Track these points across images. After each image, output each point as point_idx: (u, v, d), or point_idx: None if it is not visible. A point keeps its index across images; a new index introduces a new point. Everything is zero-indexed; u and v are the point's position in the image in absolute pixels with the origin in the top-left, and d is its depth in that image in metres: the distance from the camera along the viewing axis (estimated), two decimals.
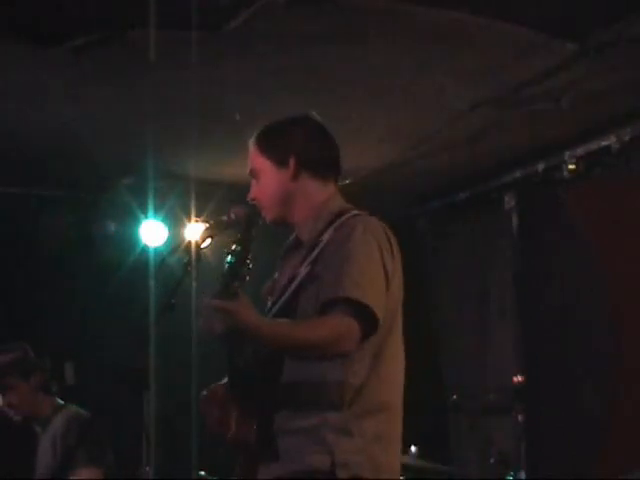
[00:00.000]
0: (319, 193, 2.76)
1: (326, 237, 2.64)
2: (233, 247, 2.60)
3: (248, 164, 2.84)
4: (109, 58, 4.53)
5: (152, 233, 6.13)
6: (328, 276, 2.56)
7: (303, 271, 2.63)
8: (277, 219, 2.79)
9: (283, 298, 2.67)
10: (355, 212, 2.71)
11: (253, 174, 2.81)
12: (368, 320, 2.52)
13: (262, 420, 2.61)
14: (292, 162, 2.74)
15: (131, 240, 6.21)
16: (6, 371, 4.32)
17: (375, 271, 2.57)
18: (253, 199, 2.80)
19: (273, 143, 2.79)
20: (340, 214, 2.69)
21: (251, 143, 2.83)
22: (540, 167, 6.11)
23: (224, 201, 2.87)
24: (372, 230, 2.64)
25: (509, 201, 6.47)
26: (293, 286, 2.65)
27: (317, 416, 2.56)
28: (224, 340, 2.48)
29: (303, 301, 2.61)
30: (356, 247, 2.58)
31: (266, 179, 2.78)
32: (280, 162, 2.76)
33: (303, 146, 2.78)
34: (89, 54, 4.46)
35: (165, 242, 6.10)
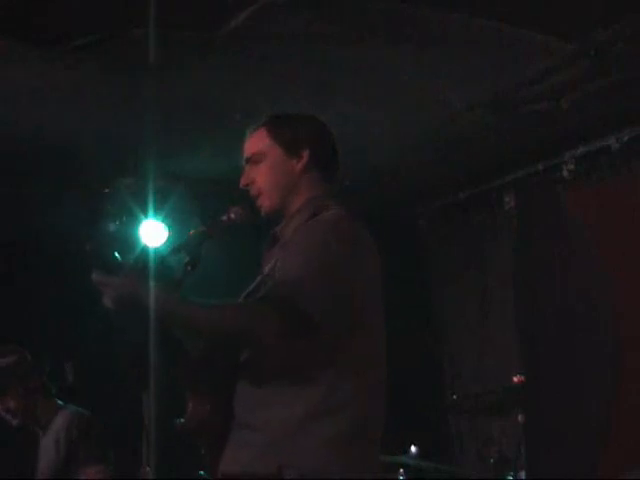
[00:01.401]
0: (316, 189, 2.72)
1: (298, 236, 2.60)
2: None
3: (247, 148, 2.76)
4: (109, 58, 4.53)
5: (152, 233, 6.13)
6: (277, 274, 2.52)
7: (267, 269, 2.60)
8: (274, 207, 2.72)
9: (245, 293, 2.64)
10: (331, 211, 2.63)
11: (255, 158, 2.72)
12: (297, 316, 2.40)
13: (217, 411, 2.57)
14: (306, 154, 2.70)
15: (131, 240, 6.20)
16: (2, 376, 4.30)
17: (322, 268, 2.46)
18: (248, 184, 2.73)
19: (287, 128, 2.74)
20: (318, 212, 2.63)
21: (257, 127, 2.76)
22: (540, 167, 6.12)
23: (224, 201, 2.83)
24: (331, 228, 2.56)
25: (509, 201, 6.47)
26: (256, 283, 2.63)
27: (270, 412, 2.48)
28: (122, 314, 2.48)
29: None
30: (307, 244, 2.52)
31: (272, 165, 2.71)
32: (292, 150, 2.71)
33: (317, 139, 2.74)
34: (89, 54, 4.46)
35: (165, 242, 6.09)
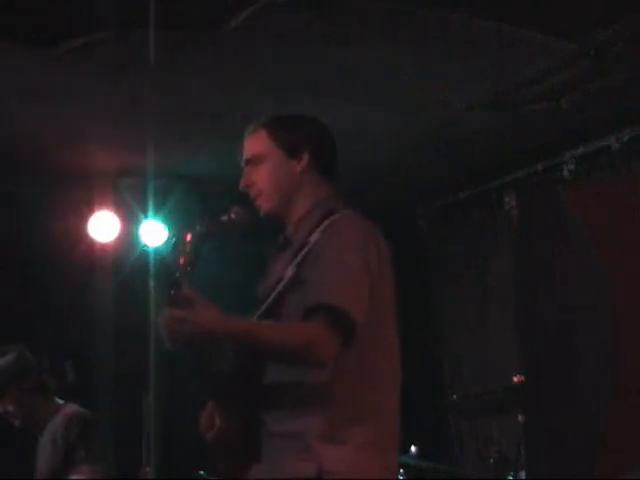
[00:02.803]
0: (320, 191, 2.72)
1: (314, 238, 2.58)
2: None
3: (247, 149, 2.75)
4: (109, 58, 4.53)
5: (152, 233, 6.12)
6: (311, 281, 2.50)
7: (289, 273, 2.58)
8: (274, 210, 2.72)
9: (268, 301, 2.62)
10: (345, 212, 2.64)
11: (254, 160, 2.72)
12: (346, 326, 2.45)
13: (245, 421, 2.58)
14: (306, 155, 2.69)
15: (131, 240, 6.20)
16: (2, 376, 4.30)
17: (358, 275, 2.50)
18: (248, 186, 2.72)
19: (287, 130, 2.73)
20: (330, 214, 2.62)
21: (256, 128, 2.74)
22: (540, 167, 6.11)
23: (224, 201, 2.83)
24: (358, 233, 2.57)
25: (509, 201, 6.47)
26: (278, 289, 2.60)
27: (302, 421, 2.49)
28: (190, 348, 2.45)
29: (288, 305, 2.56)
30: (340, 251, 2.52)
31: (272, 167, 2.70)
32: (292, 152, 2.70)
33: (317, 141, 2.73)
34: (89, 54, 4.46)
35: (165, 242, 6.09)
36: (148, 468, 3.53)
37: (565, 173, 5.92)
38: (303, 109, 2.87)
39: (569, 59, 4.64)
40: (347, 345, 2.47)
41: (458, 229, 6.98)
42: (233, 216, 2.71)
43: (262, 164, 2.71)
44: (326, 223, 2.59)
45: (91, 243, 6.22)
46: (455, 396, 6.28)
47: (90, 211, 6.20)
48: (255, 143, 2.74)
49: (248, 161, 2.75)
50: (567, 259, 5.98)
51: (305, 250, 2.57)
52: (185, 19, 4.19)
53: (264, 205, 2.72)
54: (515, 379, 5.25)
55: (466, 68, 4.76)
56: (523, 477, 5.19)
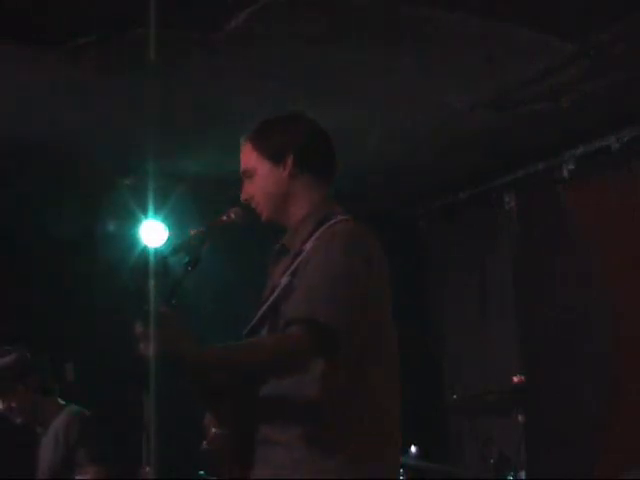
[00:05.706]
0: (314, 194, 2.70)
1: (308, 246, 2.56)
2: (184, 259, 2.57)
3: (241, 162, 2.76)
4: (109, 58, 4.53)
5: (152, 233, 6.13)
6: (297, 293, 2.49)
7: (283, 282, 2.56)
8: (271, 217, 2.73)
9: (262, 310, 2.61)
10: (340, 218, 2.61)
11: (247, 174, 2.73)
12: (326, 338, 2.41)
13: (239, 429, 2.57)
14: (290, 159, 2.67)
15: (131, 240, 6.20)
16: (3, 375, 4.31)
17: (345, 287, 2.47)
18: (247, 199, 2.73)
19: (269, 139, 2.71)
20: (324, 221, 2.60)
21: (244, 141, 2.75)
22: (540, 167, 6.12)
23: (224, 201, 2.83)
24: (348, 242, 2.53)
25: (509, 201, 6.47)
26: (272, 298, 2.59)
27: (295, 431, 2.48)
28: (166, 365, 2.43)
29: (282, 314, 2.53)
30: (327, 262, 2.49)
31: (262, 178, 2.69)
32: (276, 159, 2.68)
33: (301, 143, 2.70)
34: (89, 54, 4.46)
35: (165, 242, 6.09)
36: (148, 468, 3.52)
37: (565, 173, 5.93)
38: (302, 109, 2.86)
39: (569, 59, 4.64)
40: (331, 357, 2.45)
41: (458, 229, 6.98)
42: (233, 216, 2.72)
43: (254, 177, 2.73)
44: (320, 231, 2.58)
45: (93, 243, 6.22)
46: (455, 396, 6.28)
47: (92, 212, 6.20)
48: (244, 157, 2.76)
49: (243, 174, 2.77)
50: (567, 259, 5.99)
51: (299, 259, 2.56)
52: (185, 19, 4.19)
53: (262, 214, 2.74)
54: (515, 379, 5.25)
55: (466, 68, 4.77)
56: (523, 477, 5.19)
